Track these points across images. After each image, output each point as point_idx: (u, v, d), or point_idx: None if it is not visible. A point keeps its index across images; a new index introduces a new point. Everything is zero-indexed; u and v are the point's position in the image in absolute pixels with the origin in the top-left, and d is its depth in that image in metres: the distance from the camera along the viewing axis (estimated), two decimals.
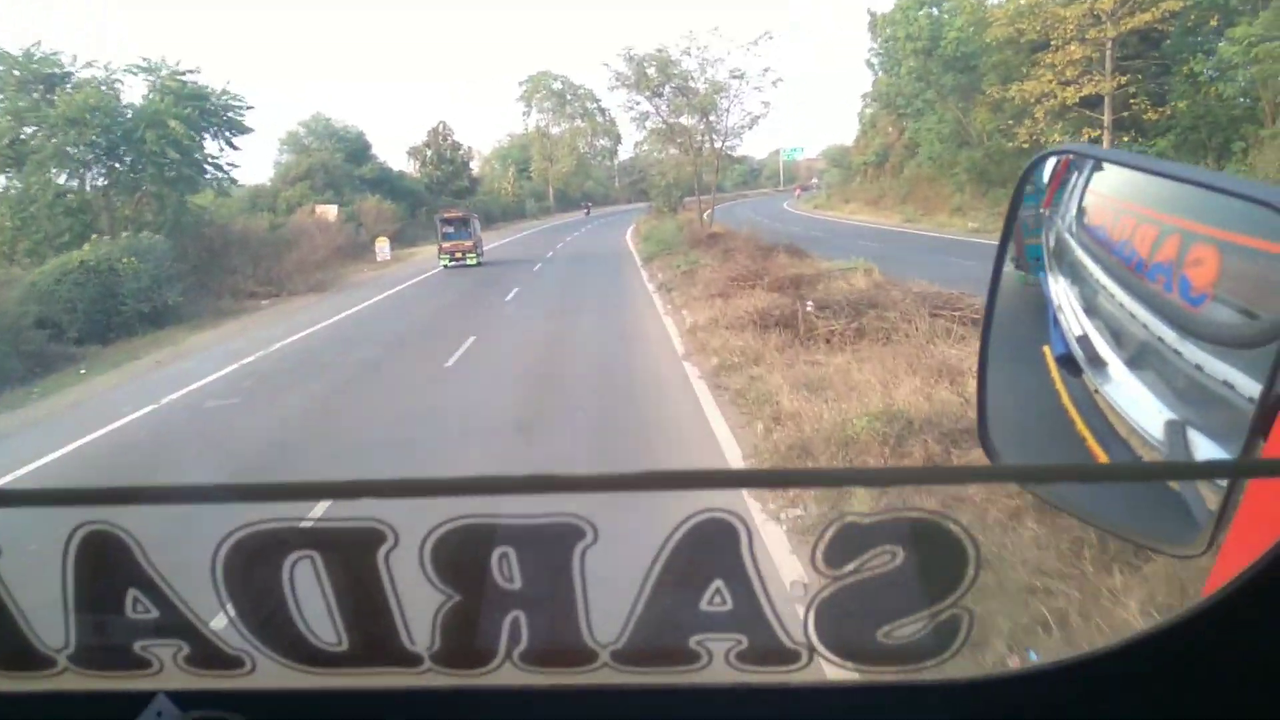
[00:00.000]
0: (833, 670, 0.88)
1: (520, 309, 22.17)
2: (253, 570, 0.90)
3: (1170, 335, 1.23)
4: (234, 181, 37.60)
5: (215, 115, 33.54)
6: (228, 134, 34.30)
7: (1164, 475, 1.14)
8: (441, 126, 74.85)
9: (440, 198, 63.18)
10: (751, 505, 6.56)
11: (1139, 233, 1.25)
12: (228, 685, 0.93)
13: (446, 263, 36.52)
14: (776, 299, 15.09)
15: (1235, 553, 1.03)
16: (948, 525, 0.83)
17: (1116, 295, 1.29)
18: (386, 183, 60.68)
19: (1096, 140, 34.11)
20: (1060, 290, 1.39)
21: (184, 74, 32.61)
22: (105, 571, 0.92)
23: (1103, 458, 1.44)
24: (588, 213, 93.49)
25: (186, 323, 24.58)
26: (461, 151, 74.27)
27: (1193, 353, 1.20)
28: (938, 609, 0.85)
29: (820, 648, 0.87)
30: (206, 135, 33.58)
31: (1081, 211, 1.37)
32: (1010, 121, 37.84)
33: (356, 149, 62.42)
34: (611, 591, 0.91)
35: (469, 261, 36.66)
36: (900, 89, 51.39)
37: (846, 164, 77.38)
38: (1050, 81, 35.24)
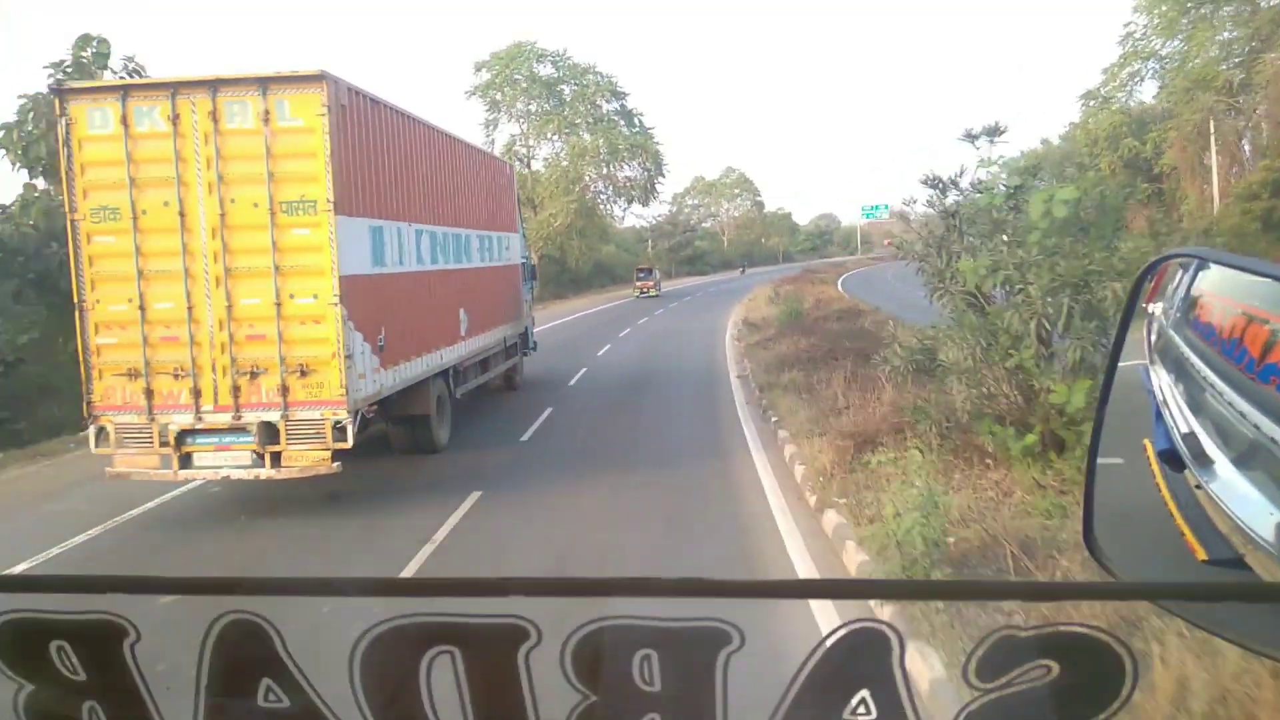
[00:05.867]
0: None
1: None
2: (390, 664, 0.89)
3: None
4: None
5: None
6: None
7: None
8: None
9: None
10: None
11: (1250, 333, 1.25)
12: None
13: (637, 295, 50.75)
14: None
15: None
16: (1105, 640, 0.82)
17: (1225, 394, 1.28)
18: None
19: None
20: (1164, 386, 1.38)
21: None
22: (242, 659, 0.92)
23: (1200, 553, 1.42)
24: (743, 272, 76.43)
25: None
26: None
27: None
28: None
29: None
30: None
31: (1188, 309, 1.37)
32: None
33: None
34: (756, 698, 0.90)
35: (652, 294, 50.72)
36: None
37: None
38: None
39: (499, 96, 58.87)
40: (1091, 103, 44.73)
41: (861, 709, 0.85)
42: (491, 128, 58.93)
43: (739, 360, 22.00)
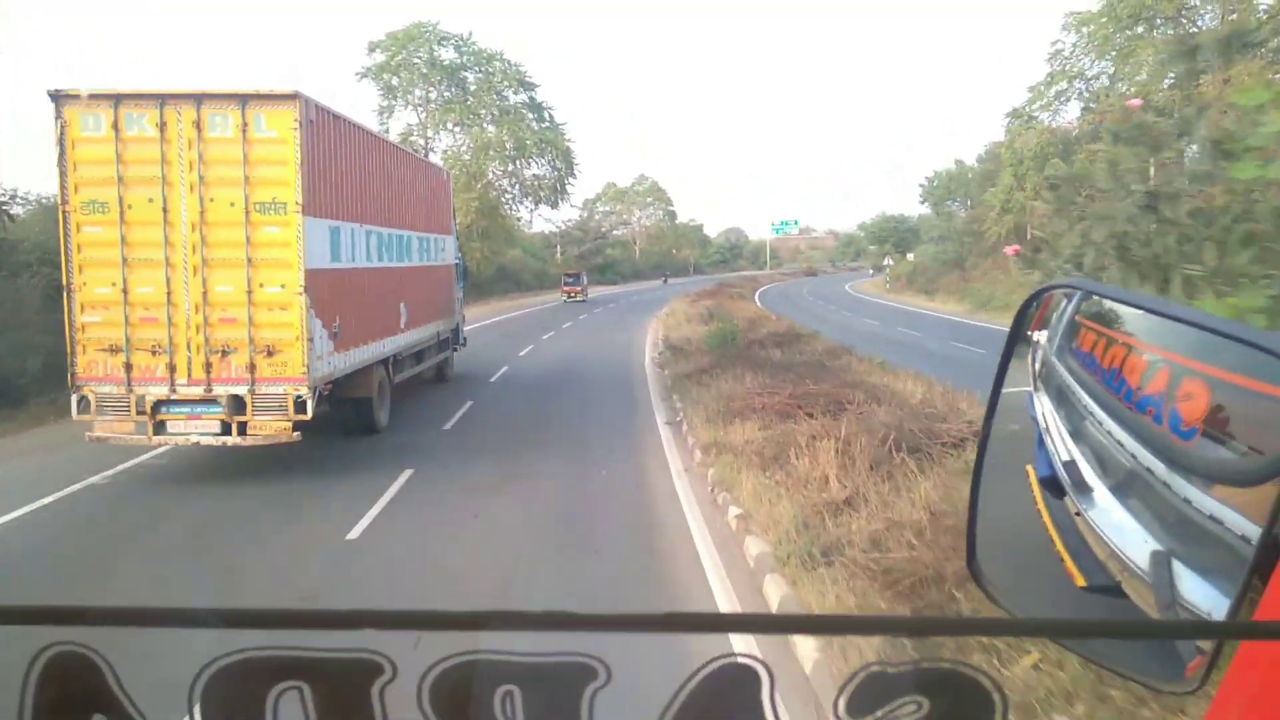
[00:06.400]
0: None
1: None
2: (234, 701, 0.83)
3: (1159, 467, 1.24)
4: None
5: None
6: None
7: (1171, 634, 1.13)
8: None
9: None
10: None
11: (1129, 363, 1.27)
12: None
13: (565, 299, 51.73)
14: None
15: (1228, 708, 1.02)
16: (974, 675, 0.81)
17: (1105, 423, 1.31)
18: None
19: None
20: (1047, 413, 1.40)
21: None
22: (70, 695, 0.85)
23: (1079, 579, 1.44)
24: (664, 282, 75.69)
25: None
26: None
27: (1181, 486, 1.21)
28: None
29: None
30: None
31: (1070, 338, 1.39)
32: None
33: None
34: None
35: (578, 299, 51.70)
36: None
37: (955, 237, 48.08)
38: None
39: (395, 81, 53.04)
40: (1017, 121, 44.60)
41: None
42: (386, 115, 52.84)
43: (665, 397, 17.87)
